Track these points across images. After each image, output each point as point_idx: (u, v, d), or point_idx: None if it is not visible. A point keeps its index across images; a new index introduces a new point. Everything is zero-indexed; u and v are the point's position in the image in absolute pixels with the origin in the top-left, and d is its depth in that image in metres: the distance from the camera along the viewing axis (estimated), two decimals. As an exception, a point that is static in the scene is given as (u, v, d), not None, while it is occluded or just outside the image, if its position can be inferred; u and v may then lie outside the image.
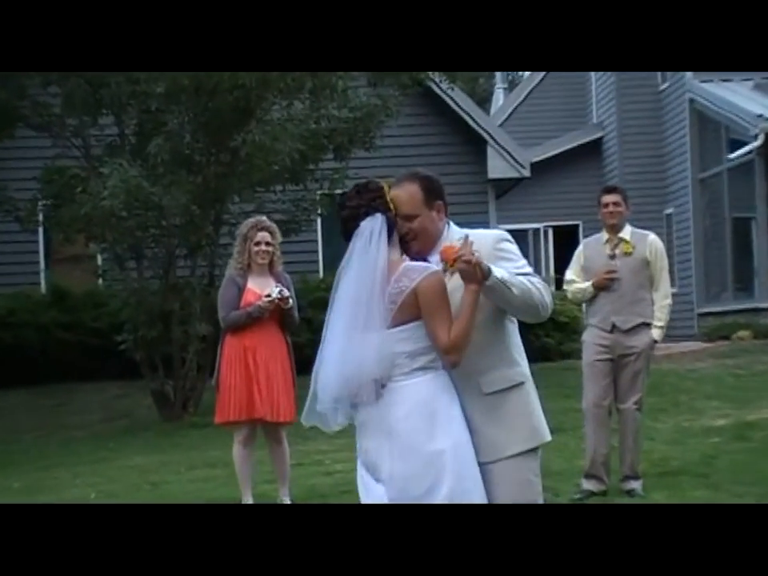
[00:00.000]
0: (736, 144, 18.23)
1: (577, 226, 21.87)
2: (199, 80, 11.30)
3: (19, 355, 14.35)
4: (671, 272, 7.61)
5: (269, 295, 7.13)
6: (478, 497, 3.70)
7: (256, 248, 7.27)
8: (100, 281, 14.72)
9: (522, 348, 3.95)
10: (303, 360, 7.95)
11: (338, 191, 12.27)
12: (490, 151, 16.76)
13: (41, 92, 12.75)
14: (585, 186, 21.84)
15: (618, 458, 7.39)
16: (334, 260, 13.97)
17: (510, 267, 3.77)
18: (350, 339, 3.70)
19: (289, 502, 7.23)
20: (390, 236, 3.76)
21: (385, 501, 3.68)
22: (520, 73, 32.70)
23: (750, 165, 17.68)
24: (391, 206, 3.77)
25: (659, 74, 20.92)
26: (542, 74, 23.95)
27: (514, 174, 17.05)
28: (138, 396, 13.44)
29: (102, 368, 14.20)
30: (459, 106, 16.67)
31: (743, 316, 17.24)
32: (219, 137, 12.02)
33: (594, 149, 22.62)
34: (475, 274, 3.63)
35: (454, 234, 3.86)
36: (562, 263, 7.77)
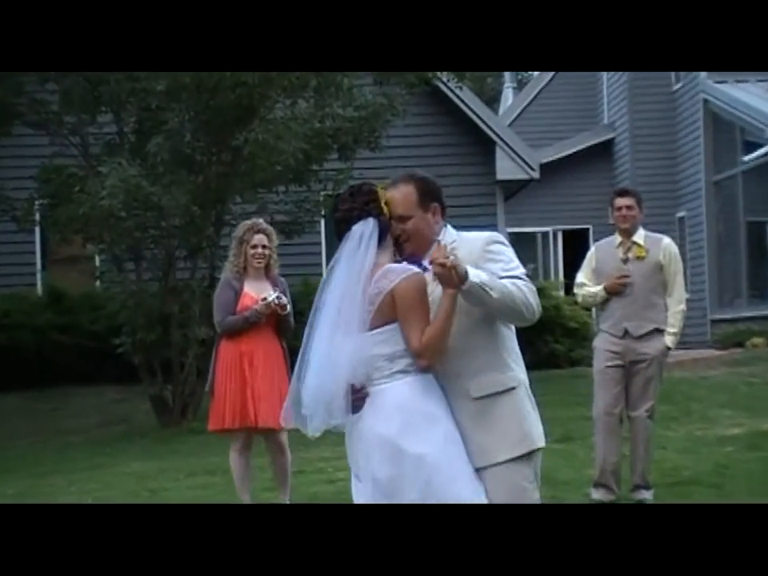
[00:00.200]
0: (751, 146, 18.23)
1: (587, 229, 21.86)
2: (201, 77, 11.31)
3: (14, 358, 14.36)
4: (684, 276, 7.61)
5: (265, 299, 7.15)
6: (468, 497, 3.72)
7: (252, 251, 7.29)
8: (98, 282, 14.74)
9: (517, 353, 3.97)
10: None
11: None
12: (498, 152, 16.77)
13: (38, 89, 12.77)
14: (595, 189, 21.83)
15: (629, 467, 7.39)
16: (337, 263, 13.93)
17: (498, 269, 3.80)
18: (334, 343, 3.79)
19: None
20: (382, 240, 3.84)
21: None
22: (529, 72, 32.70)
23: (765, 167, 17.68)
24: (385, 210, 3.85)
25: (672, 74, 20.92)
26: (552, 73, 23.95)
27: (522, 176, 17.05)
28: (135, 401, 13.45)
29: (99, 372, 14.22)
30: (467, 106, 16.68)
31: (757, 323, 17.23)
32: (221, 135, 12.04)
33: (605, 150, 22.61)
34: (451, 277, 3.67)
35: (449, 237, 3.92)
36: (572, 268, 7.79)
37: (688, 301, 7.63)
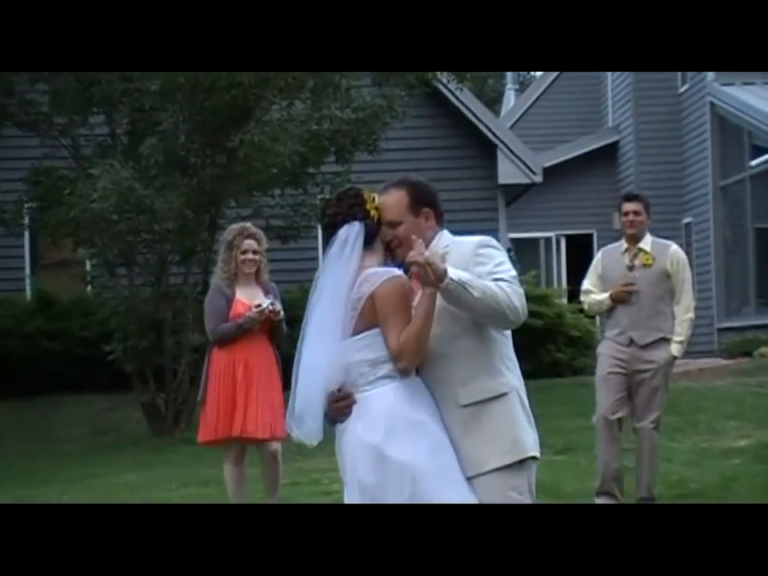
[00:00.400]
0: (759, 150, 18.24)
1: (591, 235, 21.87)
2: (195, 77, 11.33)
3: (2, 365, 14.34)
4: (692, 285, 7.61)
5: (259, 305, 7.14)
6: (458, 500, 3.73)
7: (243, 256, 7.28)
8: (88, 288, 14.73)
9: (512, 359, 3.96)
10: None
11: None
12: (499, 155, 16.78)
13: (28, 89, 12.78)
14: (599, 193, 21.84)
15: (634, 480, 7.39)
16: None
17: (485, 272, 3.81)
18: (323, 349, 3.84)
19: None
20: (369, 243, 3.90)
21: None
22: (531, 73, 32.75)
23: (773, 172, 17.69)
24: (372, 213, 3.90)
25: (678, 75, 20.93)
26: (555, 74, 23.97)
27: (524, 180, 17.06)
28: (127, 409, 13.43)
29: (89, 379, 14.20)
30: (468, 108, 16.69)
31: (766, 332, 17.22)
32: (216, 137, 12.05)
33: (609, 154, 22.62)
34: (427, 275, 3.68)
35: (442, 242, 3.95)
36: (575, 274, 7.79)
37: (695, 309, 7.62)
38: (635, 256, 7.44)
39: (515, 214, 19.87)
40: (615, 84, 23.01)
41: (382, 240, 3.93)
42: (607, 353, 7.45)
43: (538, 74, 25.77)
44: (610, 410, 7.31)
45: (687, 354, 8.32)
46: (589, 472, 8.29)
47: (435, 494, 3.70)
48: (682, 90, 21.05)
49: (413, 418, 3.74)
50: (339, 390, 3.84)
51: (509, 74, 29.37)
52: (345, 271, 3.84)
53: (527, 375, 4.05)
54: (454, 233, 4.06)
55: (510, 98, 28.58)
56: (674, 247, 7.54)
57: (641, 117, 21.41)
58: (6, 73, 12.05)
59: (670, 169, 20.96)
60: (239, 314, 7.20)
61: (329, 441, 3.95)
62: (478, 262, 3.85)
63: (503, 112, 27.71)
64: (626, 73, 21.43)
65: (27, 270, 16.31)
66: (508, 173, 16.82)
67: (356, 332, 3.81)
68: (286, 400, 3.88)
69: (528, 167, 16.87)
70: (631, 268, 7.42)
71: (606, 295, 7.42)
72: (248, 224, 7.64)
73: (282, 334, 7.36)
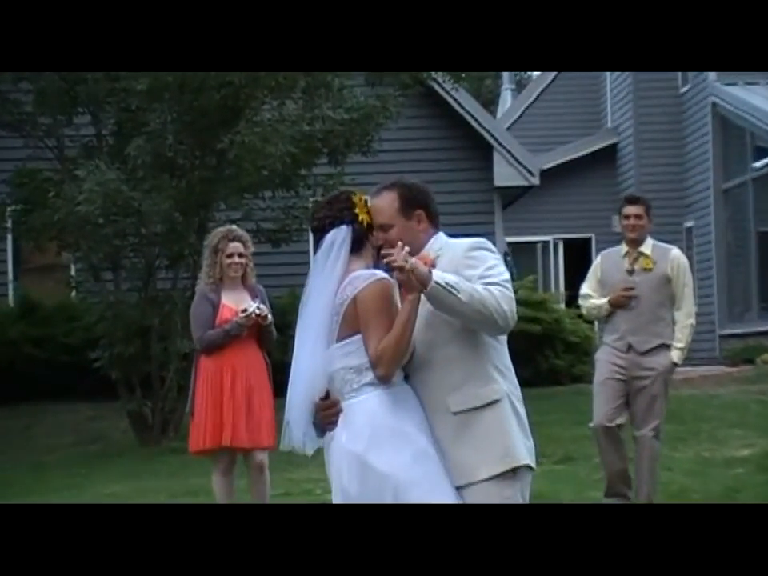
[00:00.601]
0: (762, 152, 18.28)
1: (589, 239, 21.91)
2: (184, 77, 11.33)
3: (-15, 372, 14.33)
4: (693, 290, 7.63)
5: (245, 310, 7.13)
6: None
7: (228, 260, 7.27)
8: (73, 293, 14.71)
9: (506, 365, 3.95)
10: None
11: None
12: (496, 157, 16.79)
13: (11, 88, 12.78)
14: (598, 196, 21.88)
15: (635, 490, 7.40)
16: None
17: (475, 275, 3.80)
18: (315, 356, 3.85)
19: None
20: (357, 248, 3.91)
21: None
22: (529, 73, 32.79)
23: (777, 174, 17.73)
24: (360, 217, 3.92)
25: (679, 75, 20.98)
26: (553, 74, 24.01)
27: (521, 182, 17.08)
28: (113, 418, 13.41)
29: (74, 387, 14.17)
30: (463, 108, 16.71)
31: (769, 338, 17.27)
32: (205, 138, 12.05)
33: (608, 156, 22.66)
34: (409, 280, 3.68)
35: (436, 245, 3.95)
36: (573, 279, 7.81)
37: (696, 315, 7.64)
38: (635, 260, 7.45)
39: (512, 218, 19.89)
40: (615, 84, 23.05)
41: (373, 245, 3.94)
42: (605, 359, 7.46)
43: (536, 73, 25.80)
44: (608, 418, 7.33)
45: (689, 361, 8.34)
46: (588, 482, 8.30)
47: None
48: (683, 90, 21.09)
49: (396, 428, 3.74)
50: (326, 398, 3.85)
51: (506, 74, 29.41)
52: (329, 276, 3.86)
53: (524, 383, 4.05)
54: (450, 236, 4.06)
55: (506, 99, 28.62)
56: (675, 251, 7.55)
57: (641, 118, 21.45)
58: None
59: (670, 171, 21.00)
60: (226, 319, 7.19)
61: (320, 450, 3.96)
62: (468, 264, 3.85)
63: (500, 113, 27.75)
64: (626, 72, 21.46)
65: (10, 275, 16.29)
66: (505, 175, 16.84)
67: (340, 338, 3.82)
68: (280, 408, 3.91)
69: (525, 169, 16.89)
70: (631, 272, 7.43)
71: (604, 300, 7.44)
72: (233, 226, 7.63)
73: (272, 339, 7.35)
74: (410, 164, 14.99)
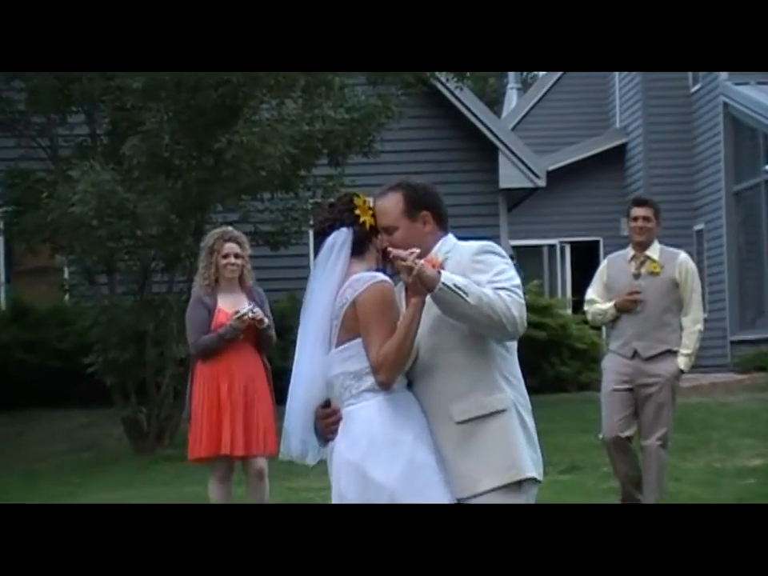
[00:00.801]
0: (775, 154, 18.29)
1: (597, 242, 21.91)
2: (181, 75, 11.34)
3: (-25, 378, 14.34)
4: (702, 294, 7.64)
5: (237, 312, 7.14)
6: None
7: (224, 261, 7.29)
8: (67, 296, 14.73)
9: (514, 374, 3.92)
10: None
11: (333, 201, 12.28)
12: (501, 158, 16.81)
13: (4, 87, 12.81)
14: (606, 198, 21.89)
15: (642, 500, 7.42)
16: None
17: (484, 280, 3.77)
18: (315, 361, 3.86)
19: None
20: (359, 251, 3.90)
21: None
22: (535, 72, 32.81)
23: (789, 177, 17.74)
24: (362, 219, 3.91)
25: (690, 74, 20.99)
26: (559, 72, 24.03)
27: (527, 184, 17.10)
28: (107, 425, 13.43)
29: (67, 393, 14.19)
30: (467, 108, 16.73)
31: (781, 344, 17.28)
32: (202, 138, 12.07)
33: (616, 157, 22.67)
34: (416, 283, 3.66)
35: (444, 248, 3.93)
36: (580, 283, 7.83)
37: (706, 321, 7.66)
38: (642, 264, 7.47)
39: (517, 220, 19.90)
40: (623, 83, 23.07)
41: (378, 248, 3.94)
42: (611, 367, 7.49)
43: (542, 72, 25.82)
44: (617, 429, 7.35)
45: (699, 368, 8.36)
46: (595, 492, 8.31)
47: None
48: (693, 89, 21.11)
49: (394, 437, 3.73)
50: (327, 406, 3.84)
51: (511, 73, 29.45)
52: (329, 278, 3.87)
53: (529, 390, 4.03)
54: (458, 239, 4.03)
55: (512, 98, 28.64)
56: (683, 256, 7.57)
57: (650, 118, 21.46)
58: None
59: (680, 173, 21.00)
60: (221, 324, 7.20)
61: (320, 459, 3.97)
62: (476, 269, 3.83)
63: (505, 113, 27.76)
64: (635, 72, 21.48)
65: (2, 278, 16.31)
66: (510, 177, 16.86)
67: (339, 342, 3.82)
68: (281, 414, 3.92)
69: (531, 171, 16.90)
70: (637, 276, 7.45)
71: (610, 304, 7.46)
72: (229, 228, 7.65)
73: (271, 343, 7.36)
74: (412, 165, 15.01)
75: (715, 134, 20.03)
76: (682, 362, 7.38)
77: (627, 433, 7.37)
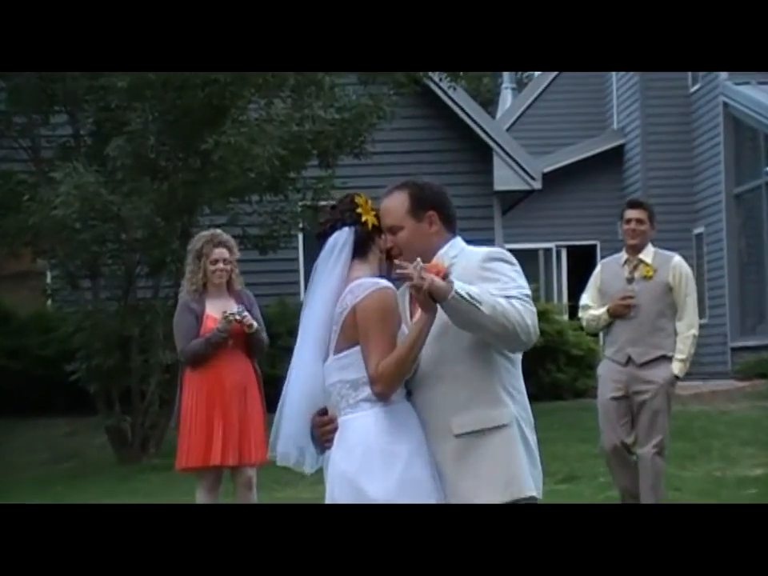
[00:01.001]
0: (776, 155, 18.34)
1: (594, 246, 21.95)
2: (167, 74, 11.35)
3: (-45, 386, 14.31)
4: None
5: (225, 312, 7.14)
6: None
7: (213, 267, 7.30)
8: (49, 302, 14.72)
9: (517, 387, 3.88)
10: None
11: (323, 203, 12.31)
12: (495, 160, 16.84)
13: (-16, 86, 12.80)
14: (603, 201, 21.92)
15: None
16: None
17: (493, 289, 3.73)
18: (315, 368, 3.84)
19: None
20: (362, 252, 3.89)
21: None
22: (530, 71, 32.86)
23: (791, 179, 17.79)
24: (365, 218, 3.89)
25: (689, 74, 21.04)
26: (555, 72, 24.08)
27: (522, 186, 17.12)
28: (90, 434, 13.42)
29: (50, 401, 14.19)
30: (461, 108, 16.75)
31: (783, 351, 17.31)
32: (188, 138, 12.07)
33: (614, 158, 22.72)
34: (425, 300, 3.61)
35: (452, 251, 3.90)
36: (577, 288, 7.85)
37: (706, 327, 7.71)
38: (635, 268, 7.51)
39: (512, 224, 19.93)
40: (621, 83, 23.12)
41: (381, 248, 3.91)
42: (607, 375, 7.53)
43: (537, 72, 25.86)
44: (616, 437, 7.40)
45: (698, 375, 8.38)
46: (593, 502, 8.31)
47: None
48: (692, 89, 21.15)
49: (389, 450, 3.71)
50: (325, 413, 3.84)
51: (505, 73, 29.49)
52: (329, 280, 3.84)
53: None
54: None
55: (506, 98, 28.67)
56: (677, 258, 7.60)
57: (648, 118, 21.50)
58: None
59: (679, 175, 21.05)
60: (210, 330, 7.21)
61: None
62: (484, 277, 3.78)
63: (499, 113, 27.80)
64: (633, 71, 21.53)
65: (-18, 283, 16.29)
66: (505, 178, 16.88)
67: (338, 349, 3.80)
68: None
69: (526, 172, 16.93)
70: (630, 280, 7.49)
71: (603, 310, 7.49)
72: (218, 230, 7.65)
73: (262, 346, 7.36)
74: (404, 167, 15.01)
75: (715, 134, 20.08)
76: (676, 367, 7.40)
77: (627, 440, 7.40)
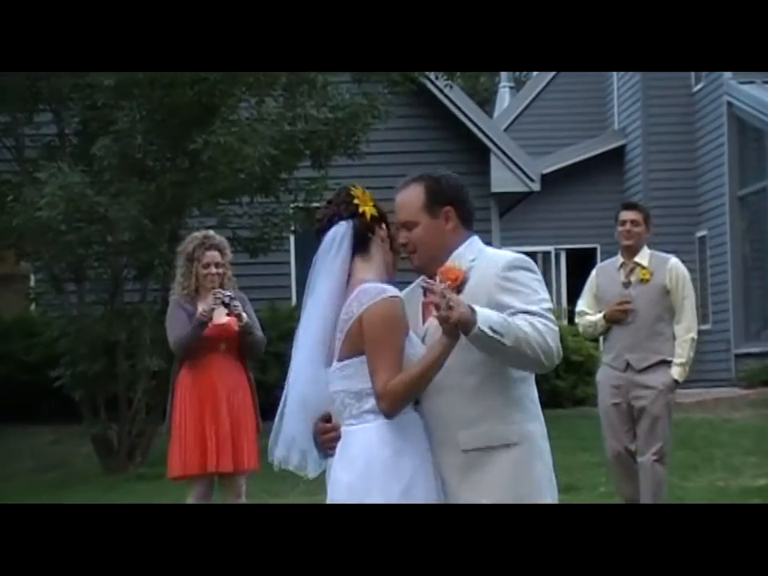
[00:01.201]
0: (781, 156, 18.37)
1: (594, 249, 21.97)
2: (154, 72, 11.35)
3: (-64, 392, 14.31)
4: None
5: (215, 291, 7.12)
6: None
7: (204, 271, 7.32)
8: (33, 306, 14.71)
9: (533, 401, 3.82)
10: (274, 402, 7.89)
11: (315, 204, 12.32)
12: (493, 161, 16.86)
13: (-34, 84, 12.79)
14: (604, 203, 21.90)
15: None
16: (309, 285, 13.90)
17: (514, 302, 3.66)
18: (315, 372, 3.79)
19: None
20: (363, 246, 3.82)
21: None
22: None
23: (797, 181, 17.82)
24: (362, 209, 3.82)
25: (692, 73, 21.07)
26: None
27: (521, 188, 17.15)
28: (75, 442, 13.40)
29: (33, 409, 14.17)
30: (458, 108, 16.77)
31: (788, 358, 17.35)
32: (177, 138, 12.08)
33: (614, 159, 22.75)
34: (450, 329, 3.53)
35: (469, 253, 3.82)
36: (576, 292, 7.87)
37: (709, 333, 7.76)
38: (631, 271, 7.54)
39: (510, 226, 19.95)
40: (622, 82, 23.15)
41: (384, 238, 3.84)
42: (606, 381, 7.57)
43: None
44: (619, 444, 7.45)
45: (701, 382, 8.40)
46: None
47: None
48: (695, 88, 21.19)
49: (391, 464, 3.67)
50: (328, 419, 3.80)
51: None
52: (330, 276, 3.77)
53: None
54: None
55: (504, 97, 28.71)
56: (674, 260, 7.63)
57: (650, 118, 21.53)
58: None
59: (682, 176, 21.08)
60: (204, 334, 7.23)
61: (299, 479, 3.95)
62: (504, 287, 3.70)
63: (497, 112, 27.83)
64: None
65: (-36, 286, 16.29)
66: (502, 180, 16.90)
67: (342, 356, 3.74)
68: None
69: (524, 174, 16.96)
70: (627, 284, 7.52)
71: (599, 316, 7.53)
72: (210, 232, 7.67)
73: (257, 346, 7.36)
74: (399, 167, 14.94)
75: (719, 135, 20.12)
76: (676, 372, 7.43)
77: (631, 446, 7.45)
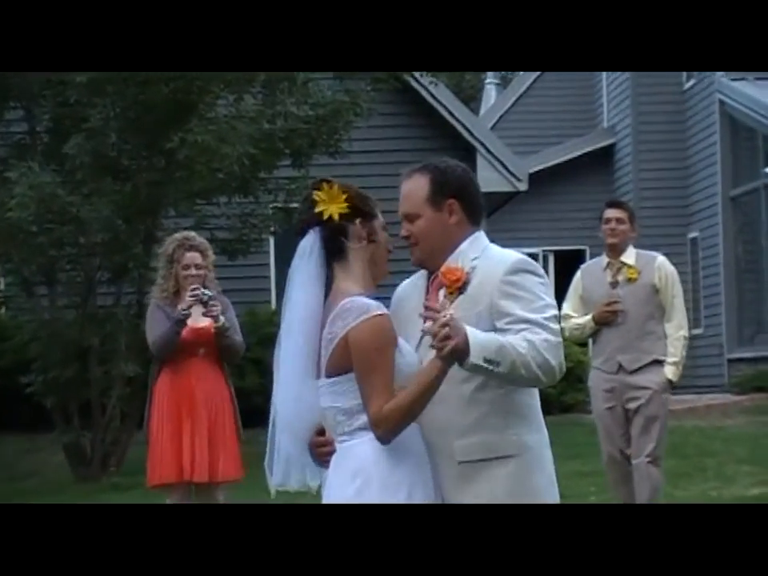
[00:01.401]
0: (775, 155, 18.44)
1: (583, 251, 21.98)
2: (129, 68, 11.36)
3: None
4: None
5: (193, 286, 7.13)
6: None
7: (185, 272, 7.33)
8: (3, 309, 14.68)
9: (533, 411, 3.80)
10: (252, 409, 7.92)
11: (296, 204, 12.32)
12: (479, 160, 16.88)
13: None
14: (592, 204, 21.84)
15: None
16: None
17: (517, 309, 3.63)
18: (303, 385, 3.76)
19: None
20: (336, 253, 3.73)
21: None
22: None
23: (791, 181, 17.89)
24: (326, 214, 3.70)
25: (684, 70, 21.14)
26: (544, 67, 24.17)
27: (507, 188, 17.17)
28: (48, 450, 13.38)
29: (4, 416, 14.13)
30: (443, 105, 16.79)
31: (782, 363, 17.40)
32: (152, 137, 12.07)
33: (604, 158, 22.79)
34: (447, 356, 3.49)
35: (472, 251, 3.77)
36: (565, 295, 7.89)
37: (701, 337, 7.81)
38: (618, 271, 7.57)
39: (496, 227, 19.94)
40: (611, 79, 23.19)
41: (361, 236, 3.74)
42: (598, 386, 7.60)
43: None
44: (614, 448, 7.51)
45: (693, 388, 8.42)
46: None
47: None
48: (687, 86, 21.25)
49: (387, 479, 3.66)
50: (321, 434, 3.78)
51: (490, 66, 29.56)
52: (304, 291, 3.71)
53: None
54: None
55: (490, 95, 28.76)
56: (661, 258, 7.67)
57: (640, 116, 21.58)
58: None
59: (673, 176, 21.13)
60: (184, 339, 7.25)
61: (283, 492, 3.96)
62: (507, 293, 3.66)
63: (483, 110, 27.87)
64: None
65: (-69, 289, 16.23)
66: (488, 179, 16.89)
67: (329, 373, 3.70)
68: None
69: (511, 173, 16.99)
70: (614, 285, 7.55)
71: (587, 318, 7.55)
72: (191, 233, 7.69)
73: (235, 349, 7.36)
74: (382, 167, 15.05)
75: (710, 134, 20.17)
76: (669, 371, 7.46)
77: (626, 450, 7.49)
